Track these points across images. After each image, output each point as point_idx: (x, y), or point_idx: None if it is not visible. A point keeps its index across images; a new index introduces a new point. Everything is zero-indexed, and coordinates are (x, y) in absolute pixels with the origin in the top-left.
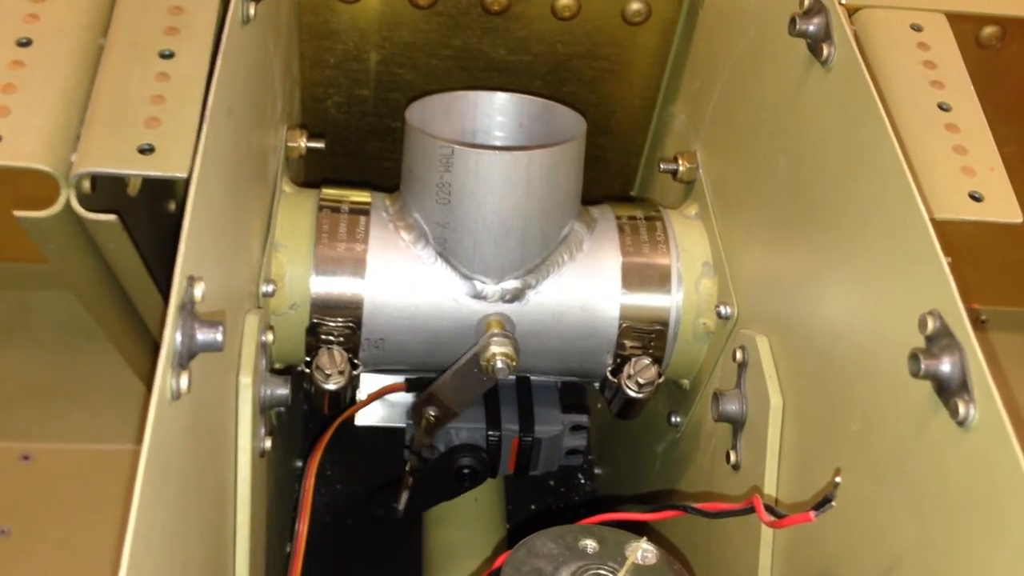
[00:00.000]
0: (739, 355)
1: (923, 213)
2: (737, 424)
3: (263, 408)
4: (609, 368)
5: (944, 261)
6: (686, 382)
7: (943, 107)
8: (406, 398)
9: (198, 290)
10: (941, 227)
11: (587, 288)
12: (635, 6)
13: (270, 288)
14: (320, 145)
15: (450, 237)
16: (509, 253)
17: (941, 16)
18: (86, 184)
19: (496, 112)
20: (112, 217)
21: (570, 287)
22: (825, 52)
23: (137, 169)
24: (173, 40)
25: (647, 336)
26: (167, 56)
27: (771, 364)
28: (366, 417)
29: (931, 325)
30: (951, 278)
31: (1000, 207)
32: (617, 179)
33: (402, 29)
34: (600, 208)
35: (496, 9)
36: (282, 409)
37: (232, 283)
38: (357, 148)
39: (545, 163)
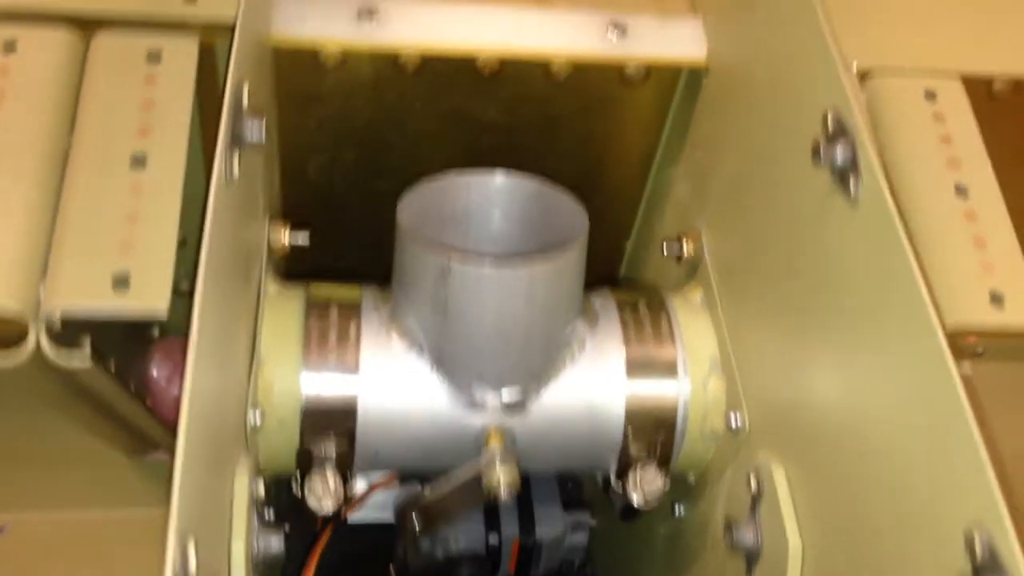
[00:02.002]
0: (753, 483)
1: (951, 372)
2: (752, 556)
3: (255, 565)
4: (614, 470)
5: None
6: (692, 476)
7: (960, 190)
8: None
9: (191, 561)
10: None
11: (590, 391)
12: (633, 68)
13: (258, 417)
14: (304, 238)
15: (447, 347)
16: (510, 364)
17: (956, 81)
18: (57, 320)
19: (493, 193)
20: (87, 363)
21: (572, 392)
22: (852, 186)
23: (112, 305)
24: (145, 142)
25: (653, 439)
26: (139, 162)
27: (789, 502)
28: (358, 514)
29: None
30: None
31: (1022, 310)
32: (612, 232)
33: (389, 92)
34: (601, 296)
35: (488, 73)
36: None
37: (221, 443)
38: (340, 208)
39: (547, 273)
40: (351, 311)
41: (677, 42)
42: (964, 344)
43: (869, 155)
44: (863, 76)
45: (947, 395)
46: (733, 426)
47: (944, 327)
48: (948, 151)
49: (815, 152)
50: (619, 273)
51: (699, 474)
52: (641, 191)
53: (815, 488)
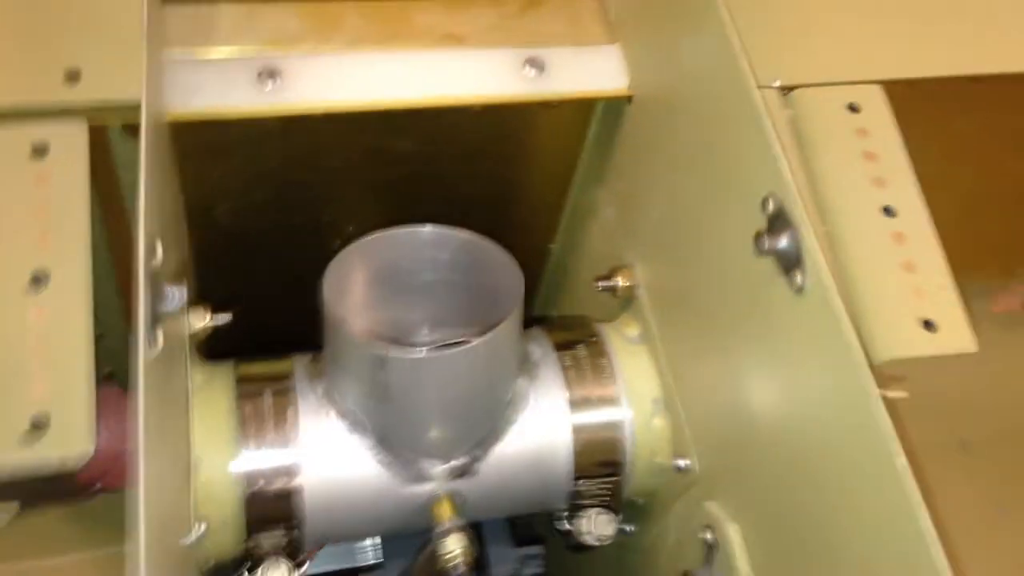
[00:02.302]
0: (708, 536)
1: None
2: None
3: None
4: (564, 513)
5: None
6: (641, 500)
7: (888, 211)
8: None
9: None
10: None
11: (537, 443)
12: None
13: (202, 530)
14: (226, 319)
15: (391, 428)
16: (455, 437)
17: (878, 89)
18: None
19: (421, 247)
20: (12, 512)
21: (519, 447)
22: (798, 280)
23: (32, 457)
24: (44, 255)
25: (602, 481)
26: (41, 281)
27: (745, 560)
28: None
29: None
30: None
31: (954, 336)
32: (530, 249)
33: (298, 137)
34: (538, 342)
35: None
36: None
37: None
38: (254, 246)
39: (486, 349)
40: (285, 392)
41: (598, 74)
42: (899, 374)
43: (815, 251)
44: (787, 91)
45: (884, 458)
46: (682, 467)
47: (879, 359)
48: (873, 169)
49: (757, 241)
50: (537, 291)
51: (648, 499)
52: (561, 210)
53: (770, 543)
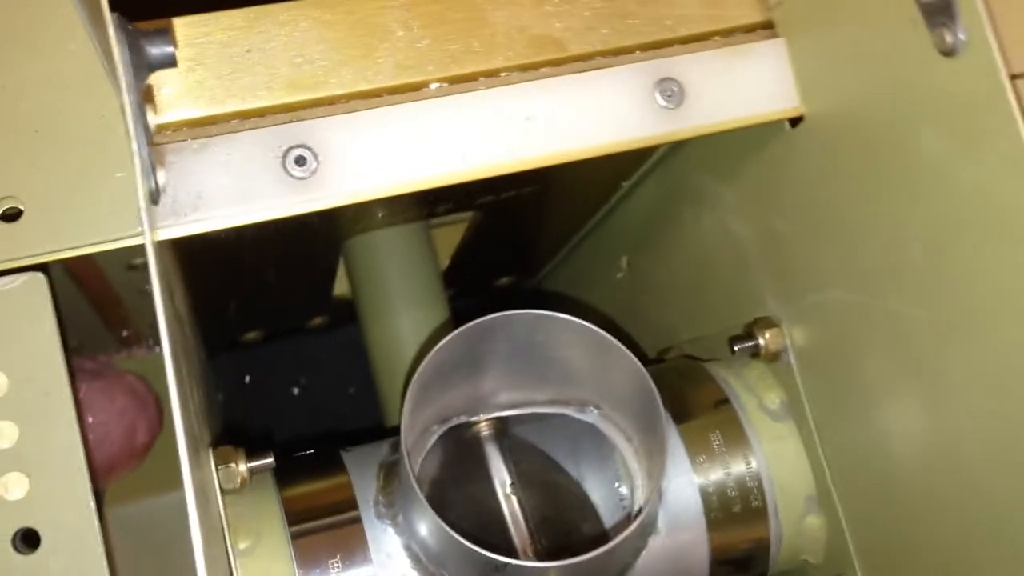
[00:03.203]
0: None
1: None
2: None
3: None
4: None
5: None
6: None
7: None
8: None
9: None
10: None
11: (673, 568)
12: None
13: None
14: (267, 462)
15: None
16: None
17: None
18: None
19: (523, 331)
20: None
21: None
22: None
23: None
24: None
25: None
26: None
27: None
28: None
29: None
30: None
31: None
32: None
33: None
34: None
35: None
36: None
37: None
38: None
39: (621, 546)
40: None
41: (758, 90)
42: None
43: None
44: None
45: None
46: None
47: None
48: None
49: None
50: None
51: None
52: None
53: None
